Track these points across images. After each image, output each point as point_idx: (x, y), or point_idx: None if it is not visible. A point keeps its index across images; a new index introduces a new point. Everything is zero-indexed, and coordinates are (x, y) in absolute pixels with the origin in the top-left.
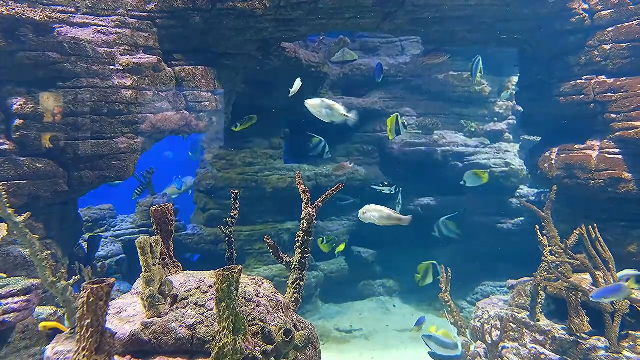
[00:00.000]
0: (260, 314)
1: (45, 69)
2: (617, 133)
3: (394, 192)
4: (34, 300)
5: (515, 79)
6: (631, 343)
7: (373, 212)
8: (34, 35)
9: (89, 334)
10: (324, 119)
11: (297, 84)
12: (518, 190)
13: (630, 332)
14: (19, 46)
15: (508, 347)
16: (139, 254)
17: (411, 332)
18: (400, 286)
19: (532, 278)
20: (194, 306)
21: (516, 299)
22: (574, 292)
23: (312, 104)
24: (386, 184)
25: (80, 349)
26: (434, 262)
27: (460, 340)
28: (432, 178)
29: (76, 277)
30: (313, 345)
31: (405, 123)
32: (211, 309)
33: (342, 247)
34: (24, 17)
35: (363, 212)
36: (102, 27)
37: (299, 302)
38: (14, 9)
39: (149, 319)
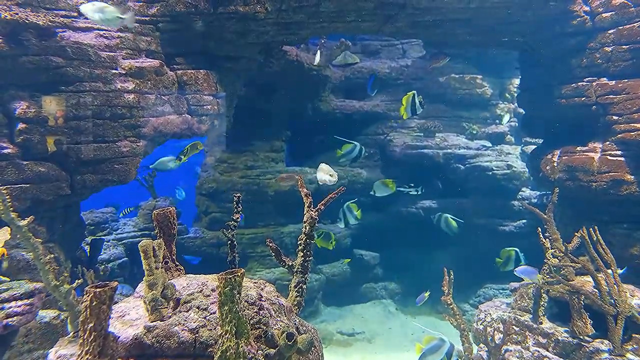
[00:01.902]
0: (263, 317)
1: (47, 73)
2: (619, 135)
3: (420, 192)
4: (37, 304)
5: (517, 81)
6: (635, 346)
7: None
8: (37, 39)
9: (91, 337)
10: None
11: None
12: (520, 193)
13: (633, 334)
14: (21, 50)
15: (511, 350)
16: (142, 258)
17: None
18: (403, 289)
19: (534, 281)
20: (197, 310)
21: (519, 302)
22: (576, 295)
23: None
24: (412, 185)
25: (83, 352)
26: (517, 249)
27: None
28: (434, 180)
29: (79, 281)
30: (315, 349)
31: (422, 102)
32: (214, 313)
33: (332, 243)
34: (26, 21)
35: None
36: (104, 31)
37: (302, 305)
38: (17, 14)
39: (151, 322)
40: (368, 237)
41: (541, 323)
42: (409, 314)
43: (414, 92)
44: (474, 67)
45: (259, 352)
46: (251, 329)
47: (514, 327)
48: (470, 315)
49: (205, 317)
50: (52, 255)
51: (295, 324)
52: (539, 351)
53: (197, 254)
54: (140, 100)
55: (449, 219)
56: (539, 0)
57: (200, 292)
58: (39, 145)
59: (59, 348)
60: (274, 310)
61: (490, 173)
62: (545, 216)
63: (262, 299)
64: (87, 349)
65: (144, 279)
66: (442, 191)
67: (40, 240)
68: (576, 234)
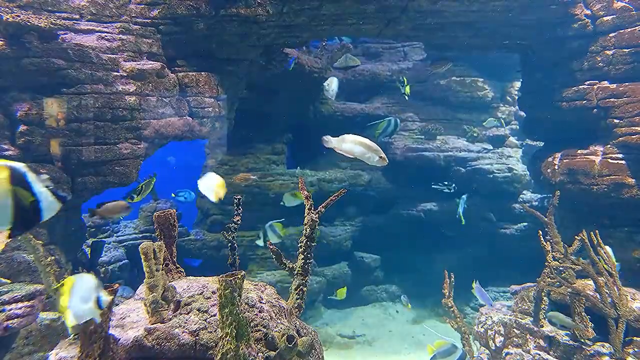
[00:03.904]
0: (263, 319)
1: (49, 75)
2: (620, 138)
3: (452, 191)
4: (37, 306)
5: (518, 84)
6: (635, 349)
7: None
8: (39, 41)
9: (92, 339)
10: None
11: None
12: (521, 196)
13: (634, 338)
14: (23, 52)
15: (512, 353)
16: (143, 260)
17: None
18: (403, 291)
19: (535, 283)
20: (197, 312)
21: (520, 305)
22: (577, 298)
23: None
24: (446, 183)
25: (84, 354)
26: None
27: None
28: (435, 183)
29: None
30: (316, 351)
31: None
32: (214, 315)
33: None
34: (28, 23)
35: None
36: (106, 34)
37: (302, 307)
38: (19, 16)
39: (152, 324)
40: (369, 239)
41: (542, 326)
42: (410, 317)
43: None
44: (475, 70)
45: (259, 354)
46: (251, 332)
47: (514, 330)
48: (471, 318)
49: (205, 320)
50: (53, 258)
51: (295, 326)
52: (539, 354)
53: (198, 256)
54: (142, 102)
55: (464, 207)
56: (540, 4)
57: (200, 294)
58: (40, 147)
59: (60, 350)
60: (274, 312)
61: (491, 176)
62: (546, 219)
63: (263, 302)
64: (87, 351)
65: (144, 281)
66: (442, 194)
67: (41, 242)
68: (576, 237)
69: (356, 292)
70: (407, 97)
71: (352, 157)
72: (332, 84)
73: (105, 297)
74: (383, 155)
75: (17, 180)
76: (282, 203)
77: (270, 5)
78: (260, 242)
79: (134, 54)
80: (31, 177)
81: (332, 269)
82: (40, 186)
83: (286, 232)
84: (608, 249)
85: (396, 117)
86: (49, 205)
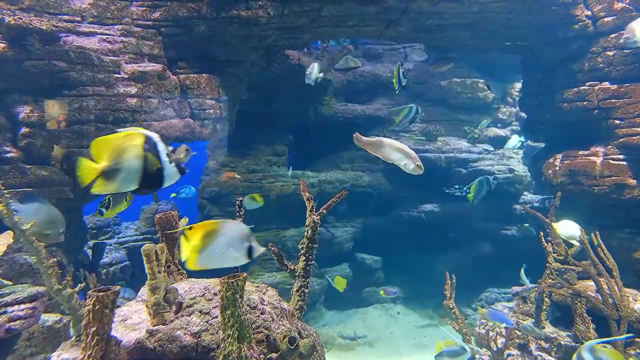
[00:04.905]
0: (265, 321)
1: (51, 78)
2: (621, 139)
3: (464, 194)
4: (39, 308)
5: (519, 85)
6: (637, 350)
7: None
8: (40, 44)
9: (94, 341)
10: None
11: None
12: (522, 197)
13: (636, 339)
14: (25, 55)
15: (513, 355)
16: (144, 262)
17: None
18: (405, 293)
19: (536, 285)
20: (199, 314)
21: (521, 306)
22: (579, 299)
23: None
24: (458, 187)
25: (86, 356)
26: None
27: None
28: (436, 184)
29: (82, 285)
30: (317, 353)
31: (406, 73)
32: (216, 317)
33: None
34: (30, 26)
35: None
36: (107, 36)
37: (303, 309)
38: (20, 19)
39: (154, 326)
40: (370, 240)
41: (544, 327)
42: (411, 319)
43: (399, 63)
44: (476, 71)
45: (261, 356)
46: (253, 333)
47: (516, 331)
48: (472, 319)
49: (207, 321)
50: (55, 259)
51: (297, 328)
52: (541, 356)
53: None
54: (143, 104)
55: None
56: (541, 5)
57: (202, 296)
58: (42, 150)
59: (62, 352)
60: (276, 314)
61: (492, 177)
62: (547, 220)
63: (264, 303)
64: (89, 352)
65: (146, 282)
66: (443, 195)
67: (43, 244)
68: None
69: (357, 294)
70: (397, 91)
71: (389, 162)
72: (313, 70)
73: (259, 247)
74: (420, 163)
75: (149, 147)
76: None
77: (271, 7)
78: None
79: (135, 56)
80: (161, 146)
81: (333, 270)
82: (166, 156)
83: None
84: None
85: (417, 106)
86: (171, 174)
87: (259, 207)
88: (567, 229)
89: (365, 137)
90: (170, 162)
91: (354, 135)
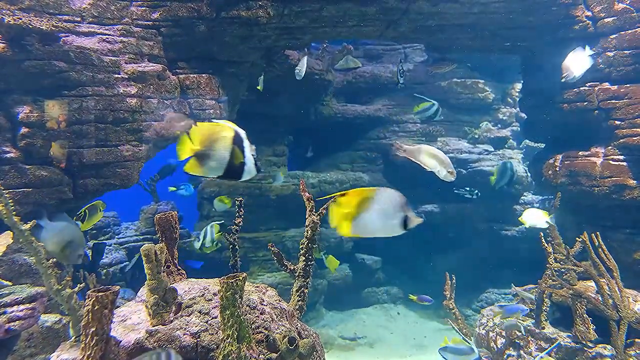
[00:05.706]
0: (265, 321)
1: (50, 78)
2: (622, 140)
3: (474, 196)
4: (39, 308)
5: (519, 85)
6: (637, 351)
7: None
8: (40, 44)
9: (93, 342)
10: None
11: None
12: (522, 197)
13: (636, 340)
14: (25, 55)
15: (513, 355)
16: (144, 262)
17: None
18: (405, 293)
19: (537, 285)
20: (198, 314)
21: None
22: (579, 299)
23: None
24: (468, 189)
25: (85, 357)
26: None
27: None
28: (436, 185)
29: (81, 285)
30: (317, 353)
31: (403, 72)
32: (215, 317)
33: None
34: (30, 26)
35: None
36: (107, 36)
37: (303, 309)
38: (20, 19)
39: (153, 326)
40: (370, 241)
41: (543, 328)
42: (411, 319)
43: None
44: (476, 72)
45: (260, 356)
46: (253, 334)
47: (516, 332)
48: (472, 320)
49: (207, 322)
50: (54, 260)
51: (297, 328)
52: (540, 356)
53: (199, 258)
54: (143, 104)
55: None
56: (541, 6)
57: (202, 296)
58: (42, 150)
59: (61, 352)
60: (275, 314)
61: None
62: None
63: (264, 304)
64: (88, 353)
65: (146, 283)
66: (443, 196)
67: (42, 244)
68: (578, 238)
69: (357, 294)
70: (399, 86)
71: (426, 168)
72: (303, 66)
73: (415, 218)
74: (452, 170)
75: (237, 141)
76: (213, 209)
77: (271, 8)
78: (197, 244)
79: (135, 56)
80: (246, 143)
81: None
82: (249, 152)
83: (220, 237)
84: None
85: (439, 106)
86: (250, 169)
87: (227, 208)
88: (532, 218)
89: (406, 145)
90: (252, 159)
91: (395, 144)
